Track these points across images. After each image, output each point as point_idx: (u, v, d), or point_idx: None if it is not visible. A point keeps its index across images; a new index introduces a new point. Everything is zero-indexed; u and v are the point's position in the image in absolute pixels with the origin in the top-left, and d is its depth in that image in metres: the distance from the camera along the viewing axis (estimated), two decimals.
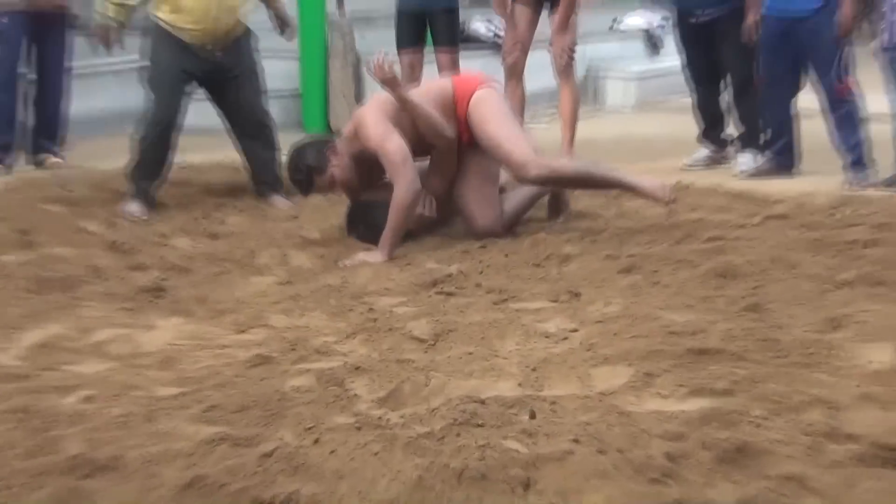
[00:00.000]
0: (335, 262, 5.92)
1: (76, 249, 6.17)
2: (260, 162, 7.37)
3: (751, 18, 7.86)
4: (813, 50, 7.59)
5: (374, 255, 5.90)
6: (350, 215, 6.40)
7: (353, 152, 6.18)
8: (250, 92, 7.33)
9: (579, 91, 8.01)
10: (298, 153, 6.32)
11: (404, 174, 5.93)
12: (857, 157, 7.56)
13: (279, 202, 7.18)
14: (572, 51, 7.56)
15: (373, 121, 6.06)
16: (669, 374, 4.07)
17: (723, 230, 6.12)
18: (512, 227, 6.40)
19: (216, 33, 7.07)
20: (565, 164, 6.55)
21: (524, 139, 6.25)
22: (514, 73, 7.75)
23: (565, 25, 7.49)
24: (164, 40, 7.06)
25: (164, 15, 7.01)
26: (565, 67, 7.55)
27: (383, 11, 9.45)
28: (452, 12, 8.58)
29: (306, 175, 6.27)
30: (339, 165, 6.18)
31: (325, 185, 6.31)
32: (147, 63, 7.16)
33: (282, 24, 7.70)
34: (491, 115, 6.20)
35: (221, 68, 7.16)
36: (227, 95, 7.32)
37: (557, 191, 6.61)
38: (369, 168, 6.20)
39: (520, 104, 7.65)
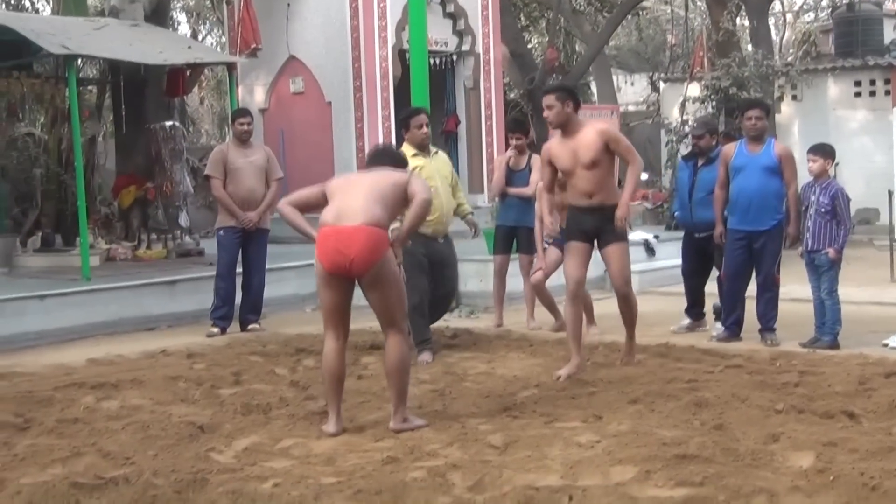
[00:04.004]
0: None
1: (270, 386, 6.10)
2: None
3: (717, 231, 7.48)
4: (763, 254, 7.24)
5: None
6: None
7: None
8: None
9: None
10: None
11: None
12: (773, 325, 7.29)
13: None
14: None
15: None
16: (662, 471, 4.01)
17: (698, 375, 5.97)
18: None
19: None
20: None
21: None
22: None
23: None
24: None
25: None
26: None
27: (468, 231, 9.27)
28: (531, 230, 8.40)
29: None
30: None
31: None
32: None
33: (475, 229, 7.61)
34: None
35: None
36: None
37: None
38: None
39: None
